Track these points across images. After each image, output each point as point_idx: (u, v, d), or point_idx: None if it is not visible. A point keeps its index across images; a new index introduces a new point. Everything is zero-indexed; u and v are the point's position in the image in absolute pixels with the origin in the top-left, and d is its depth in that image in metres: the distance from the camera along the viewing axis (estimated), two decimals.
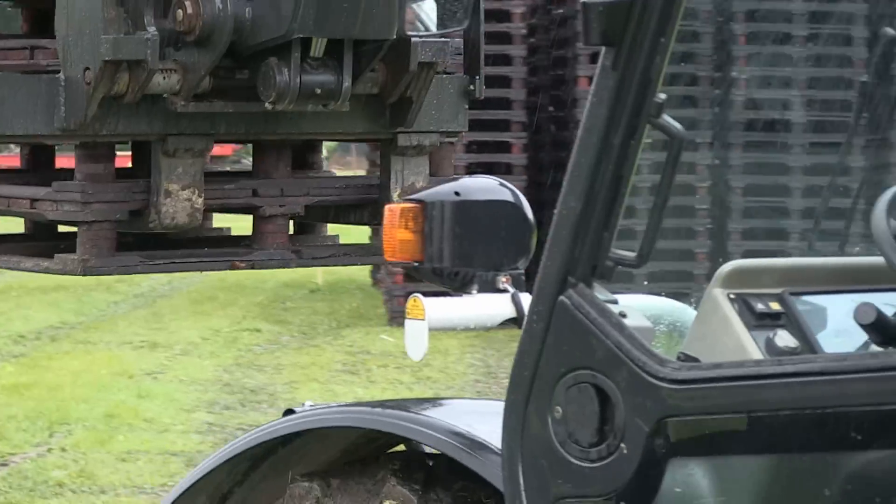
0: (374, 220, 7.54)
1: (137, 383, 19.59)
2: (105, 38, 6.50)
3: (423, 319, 5.29)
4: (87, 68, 6.57)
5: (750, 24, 24.21)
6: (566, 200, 4.33)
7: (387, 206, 5.41)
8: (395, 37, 6.88)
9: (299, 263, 7.92)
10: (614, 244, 4.33)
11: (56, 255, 7.15)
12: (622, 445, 4.17)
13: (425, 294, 5.27)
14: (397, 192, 7.29)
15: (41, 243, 7.77)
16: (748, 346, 4.42)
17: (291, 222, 7.84)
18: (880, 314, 4.12)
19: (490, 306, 5.40)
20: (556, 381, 4.31)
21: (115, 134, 6.90)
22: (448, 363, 21.88)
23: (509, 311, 5.07)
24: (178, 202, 6.93)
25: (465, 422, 5.02)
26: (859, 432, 3.85)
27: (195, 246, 7.55)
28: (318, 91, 6.84)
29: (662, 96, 4.25)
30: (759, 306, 4.50)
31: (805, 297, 4.56)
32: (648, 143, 4.33)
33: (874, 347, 4.20)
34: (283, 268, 7.98)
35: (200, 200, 7.05)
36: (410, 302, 5.30)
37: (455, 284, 5.55)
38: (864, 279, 4.54)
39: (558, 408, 4.28)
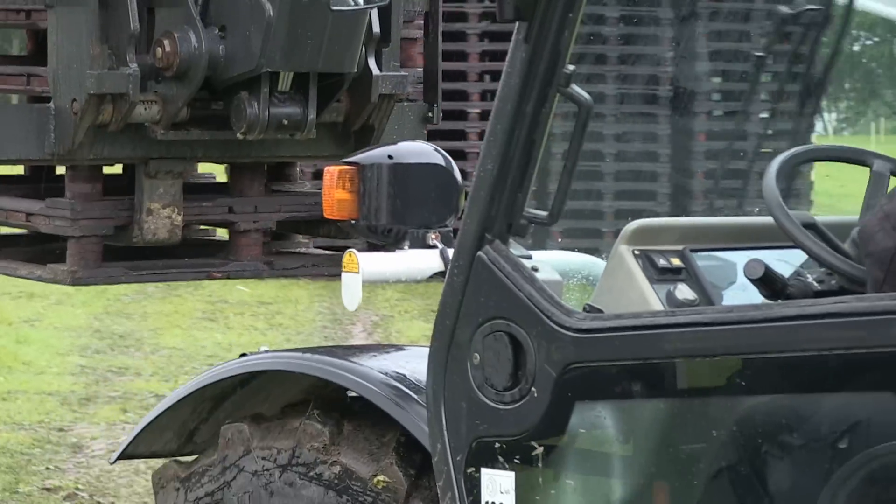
0: (340, 234, 7.48)
1: (16, 330, 19.44)
2: (90, 74, 6.62)
3: (357, 273, 5.24)
4: (75, 100, 6.70)
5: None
6: (483, 164, 4.29)
7: (325, 169, 5.37)
8: (357, 70, 6.96)
9: (271, 274, 8.12)
10: (528, 204, 4.31)
11: (48, 264, 7.31)
12: (533, 389, 4.13)
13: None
14: None
15: (38, 248, 7.86)
16: (650, 299, 4.41)
17: None
18: (768, 269, 4.12)
19: (420, 261, 5.35)
20: (474, 329, 4.27)
21: (101, 158, 7.05)
22: (298, 311, 21.99)
23: (438, 265, 5.01)
24: (159, 219, 7.09)
25: (392, 369, 4.96)
26: (745, 378, 3.86)
27: (177, 254, 7.60)
28: (286, 122, 6.97)
29: (571, 67, 4.22)
30: (661, 262, 4.48)
31: (703, 254, 4.54)
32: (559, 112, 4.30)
33: (763, 300, 4.16)
34: (257, 278, 8.41)
35: (180, 217, 7.21)
36: (346, 256, 5.26)
37: (388, 240, 5.53)
38: (757, 237, 4.51)
39: (476, 354, 4.25)
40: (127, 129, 6.97)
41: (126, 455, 5.62)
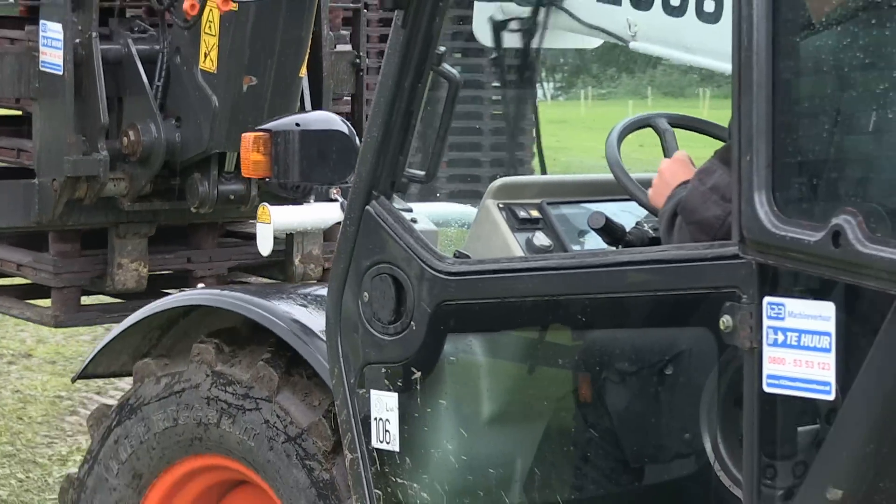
0: (282, 276, 7.76)
1: None
2: (67, 159, 6.78)
3: (269, 223, 5.27)
4: (55, 179, 6.87)
5: None
6: (370, 131, 4.28)
7: (242, 135, 5.39)
8: None
9: None
10: (408, 165, 4.30)
11: (36, 307, 7.79)
12: (412, 323, 4.12)
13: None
14: (298, 258, 7.43)
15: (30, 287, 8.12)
16: (512, 246, 4.44)
17: None
18: (608, 220, 4.17)
19: (323, 212, 5.38)
20: (363, 272, 4.26)
21: (78, 224, 7.27)
22: None
23: (338, 216, 4.94)
24: (128, 272, 7.38)
25: (301, 305, 4.94)
26: (587, 315, 3.81)
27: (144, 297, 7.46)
28: (232, 197, 7.31)
29: (442, 48, 4.25)
30: (522, 213, 4.51)
31: (558, 207, 4.54)
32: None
33: (605, 247, 4.20)
34: None
35: (145, 270, 7.56)
36: (260, 209, 5.33)
37: (297, 195, 5.56)
38: (603, 192, 4.48)
39: (365, 293, 4.24)
40: (99, 201, 7.20)
41: (86, 374, 5.53)
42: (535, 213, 4.50)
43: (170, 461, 4.98)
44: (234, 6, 6.12)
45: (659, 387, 3.60)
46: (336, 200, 5.31)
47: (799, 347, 3.23)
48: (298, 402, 4.67)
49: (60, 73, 6.48)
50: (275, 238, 5.36)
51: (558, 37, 5.80)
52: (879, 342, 3.15)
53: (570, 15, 5.66)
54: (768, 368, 3.27)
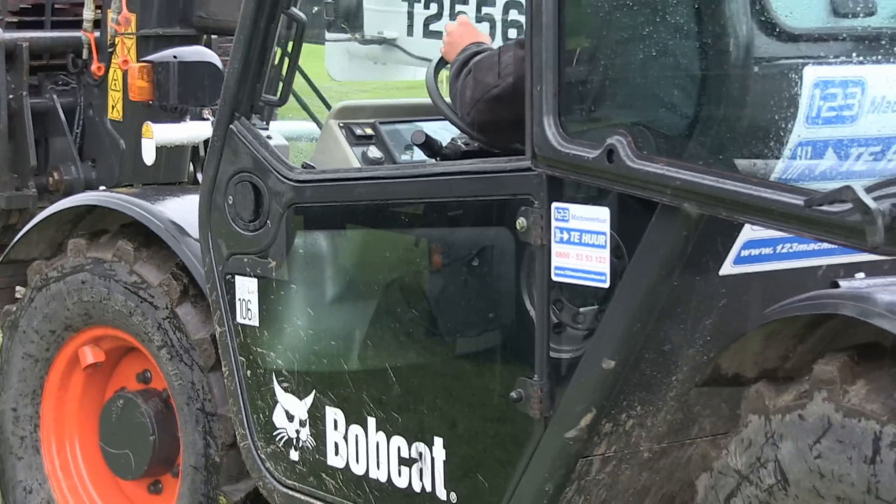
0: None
1: None
2: (1, 195, 6.45)
3: (151, 139, 5.18)
4: None
5: None
6: (232, 63, 4.10)
7: (129, 66, 5.28)
8: (187, 180, 6.63)
9: None
10: (264, 91, 4.16)
11: None
12: (268, 222, 3.99)
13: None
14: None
15: None
16: (350, 158, 4.31)
17: None
18: (428, 137, 4.03)
19: (197, 129, 5.28)
20: (228, 179, 4.10)
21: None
22: None
23: (208, 133, 4.72)
24: None
25: (180, 207, 4.70)
26: (409, 216, 3.76)
27: None
28: None
29: None
30: (358, 131, 4.38)
31: (388, 125, 4.42)
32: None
33: (427, 160, 4.08)
34: None
35: None
36: (144, 127, 5.31)
37: (175, 115, 5.48)
38: (425, 113, 4.36)
39: (230, 197, 4.10)
40: None
41: (9, 259, 5.25)
42: (369, 131, 4.36)
43: (72, 331, 4.77)
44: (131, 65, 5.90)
45: (468, 275, 3.49)
46: (208, 119, 5.18)
47: (580, 244, 3.17)
48: (152, 267, 4.49)
49: None
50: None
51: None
52: (645, 240, 3.09)
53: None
54: (556, 261, 3.21)
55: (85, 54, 6.16)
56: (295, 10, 4.06)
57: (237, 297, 4.09)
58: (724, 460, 3.02)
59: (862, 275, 3.09)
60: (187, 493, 4.32)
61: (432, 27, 5.16)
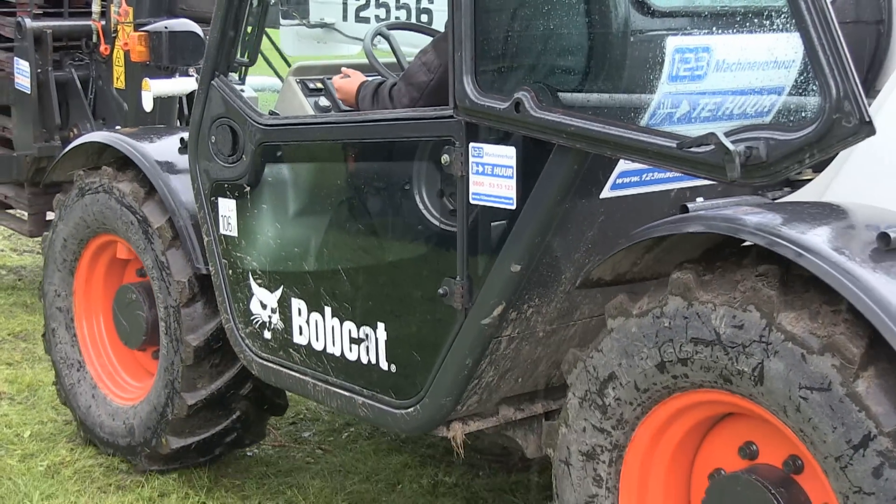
0: None
1: None
2: (34, 146, 6.16)
3: (149, 91, 4.94)
4: (27, 155, 6.30)
5: None
6: (212, 32, 3.83)
7: (130, 35, 5.20)
8: None
9: None
10: (236, 54, 3.92)
11: (20, 221, 6.91)
12: (243, 156, 3.76)
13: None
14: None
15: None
16: (305, 106, 4.08)
17: None
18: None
19: (184, 84, 5.03)
20: (211, 123, 3.84)
21: (41, 179, 6.29)
22: None
23: (194, 86, 4.46)
24: None
25: (165, 145, 4.43)
26: (346, 152, 3.55)
27: None
28: None
29: None
30: (311, 85, 4.13)
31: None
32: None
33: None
34: None
35: None
36: (144, 82, 5.07)
37: (166, 73, 5.25)
38: (365, 71, 3.99)
39: (213, 137, 3.84)
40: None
41: (51, 180, 4.97)
42: (319, 85, 4.11)
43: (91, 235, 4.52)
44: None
45: (403, 198, 3.31)
46: (192, 76, 4.94)
47: (492, 175, 3.03)
48: (133, 185, 4.18)
49: (28, 92, 6.09)
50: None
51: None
52: (544, 172, 2.95)
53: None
54: (473, 189, 3.07)
55: (94, 38, 5.98)
56: None
57: (220, 213, 3.85)
58: (595, 354, 2.87)
59: (701, 199, 2.93)
60: (165, 350, 4.10)
61: (361, 14, 5.05)
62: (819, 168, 3.02)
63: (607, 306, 2.83)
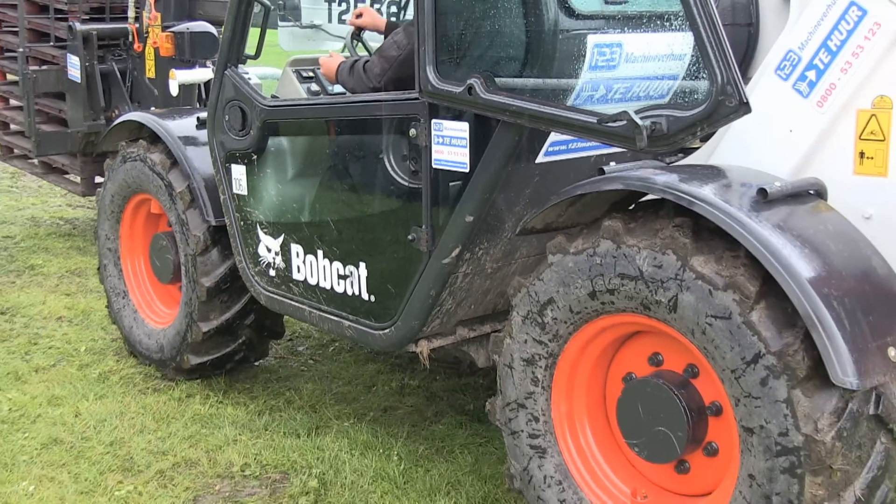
0: None
1: None
2: (84, 123, 6.00)
3: (175, 79, 4.86)
4: (79, 132, 6.11)
5: None
6: (224, 32, 3.75)
7: (160, 34, 5.02)
8: None
9: None
10: (244, 49, 3.76)
11: (74, 184, 6.64)
12: (251, 131, 3.66)
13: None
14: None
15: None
16: (300, 91, 3.99)
17: None
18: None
19: (203, 73, 4.93)
20: (225, 104, 3.74)
21: (91, 150, 6.23)
22: None
23: (211, 75, 4.45)
24: None
25: (188, 122, 4.29)
26: (341, 128, 3.40)
27: None
28: None
29: None
30: (304, 74, 4.04)
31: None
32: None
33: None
34: None
35: None
36: (171, 72, 5.01)
37: (188, 65, 5.11)
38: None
39: (227, 115, 3.74)
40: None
41: (100, 152, 5.02)
42: (311, 74, 4.00)
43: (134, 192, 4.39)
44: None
45: (379, 163, 3.23)
46: (209, 67, 4.88)
47: (450, 145, 2.98)
48: (161, 156, 4.11)
49: (78, 81, 5.92)
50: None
51: None
52: (491, 142, 2.91)
53: None
54: (434, 155, 3.03)
55: (130, 38, 5.83)
56: (263, 0, 3.66)
57: (233, 176, 3.77)
58: (536, 282, 2.84)
59: (613, 163, 2.89)
60: (185, 289, 4.09)
61: (343, 17, 4.96)
62: (706, 138, 2.99)
63: (549, 244, 2.79)
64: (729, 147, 2.93)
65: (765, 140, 2.82)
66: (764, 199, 2.45)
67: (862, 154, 2.67)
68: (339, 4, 4.90)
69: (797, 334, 2.32)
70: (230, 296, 4.01)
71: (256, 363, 4.47)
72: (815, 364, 2.30)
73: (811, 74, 2.73)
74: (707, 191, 2.46)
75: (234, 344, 4.15)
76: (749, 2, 3.16)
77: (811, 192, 2.59)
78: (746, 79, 3.03)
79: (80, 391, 4.12)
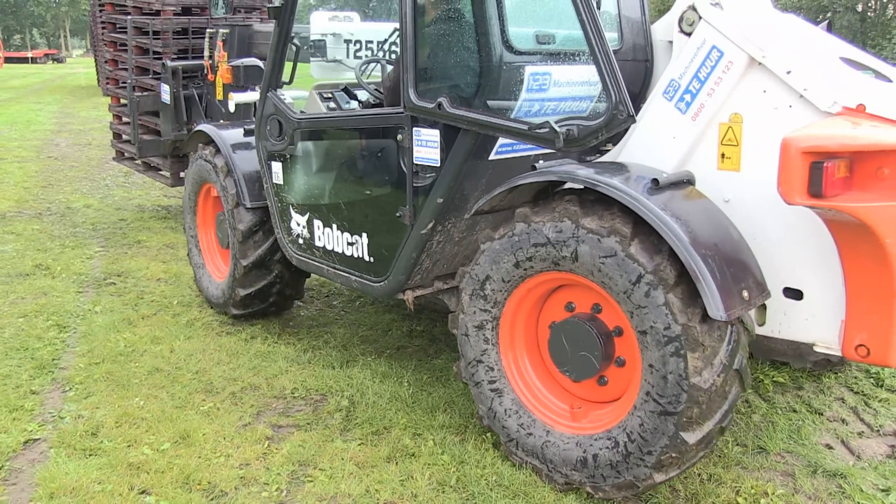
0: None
1: None
2: (171, 133, 5.88)
3: (233, 100, 4.80)
4: (168, 139, 5.97)
5: None
6: (267, 66, 3.65)
7: (223, 67, 4.83)
8: None
9: None
10: (281, 77, 3.68)
11: (163, 176, 6.42)
12: (284, 137, 3.60)
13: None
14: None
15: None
16: (321, 107, 3.92)
17: None
18: (356, 96, 3.75)
19: (253, 96, 4.89)
20: (267, 118, 3.68)
21: (178, 151, 6.05)
22: None
23: (258, 97, 4.30)
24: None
25: (239, 130, 4.20)
26: (350, 134, 3.36)
27: None
28: None
29: (294, 33, 3.61)
30: (325, 94, 3.97)
31: (339, 92, 4.00)
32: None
33: (356, 108, 3.79)
34: None
35: None
36: (229, 95, 4.94)
37: (242, 89, 5.08)
38: (355, 87, 3.97)
39: (268, 126, 3.68)
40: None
41: (181, 154, 4.88)
42: (329, 95, 3.96)
43: (202, 183, 4.29)
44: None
45: (377, 158, 3.22)
46: (257, 91, 4.80)
47: (426, 147, 2.96)
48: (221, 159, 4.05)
49: (168, 103, 5.86)
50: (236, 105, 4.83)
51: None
52: (455, 144, 2.88)
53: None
54: (415, 154, 3.00)
55: (205, 70, 5.79)
56: (295, 41, 3.62)
57: (272, 171, 3.75)
58: (475, 266, 2.82)
59: (542, 161, 2.87)
60: (231, 240, 4.04)
61: (357, 54, 4.87)
62: (615, 142, 3.00)
63: (479, 237, 2.77)
64: (632, 148, 2.95)
65: (657, 144, 2.85)
66: (656, 186, 2.48)
67: (723, 155, 2.70)
68: (355, 45, 4.87)
69: (664, 256, 2.37)
70: (260, 238, 3.97)
71: (303, 310, 4.38)
72: (679, 275, 2.35)
73: (687, 97, 2.75)
74: (616, 180, 2.50)
75: (270, 276, 4.05)
76: (646, 43, 3.16)
77: (686, 180, 2.61)
78: (644, 99, 3.05)
79: (174, 333, 4.09)
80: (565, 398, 2.84)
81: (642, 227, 2.37)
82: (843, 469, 2.85)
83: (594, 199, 2.47)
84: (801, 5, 17.77)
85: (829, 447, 3.02)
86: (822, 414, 3.24)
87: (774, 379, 3.53)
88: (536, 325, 2.88)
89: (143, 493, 2.68)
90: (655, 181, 2.46)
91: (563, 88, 2.72)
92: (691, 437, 2.37)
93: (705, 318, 2.32)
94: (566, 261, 2.53)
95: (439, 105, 2.78)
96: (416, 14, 2.83)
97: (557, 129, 2.43)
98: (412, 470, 2.80)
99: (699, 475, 2.79)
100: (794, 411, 3.27)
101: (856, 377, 3.57)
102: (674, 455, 2.41)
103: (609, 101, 2.36)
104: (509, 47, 2.77)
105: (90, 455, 2.91)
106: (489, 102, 2.77)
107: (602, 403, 2.76)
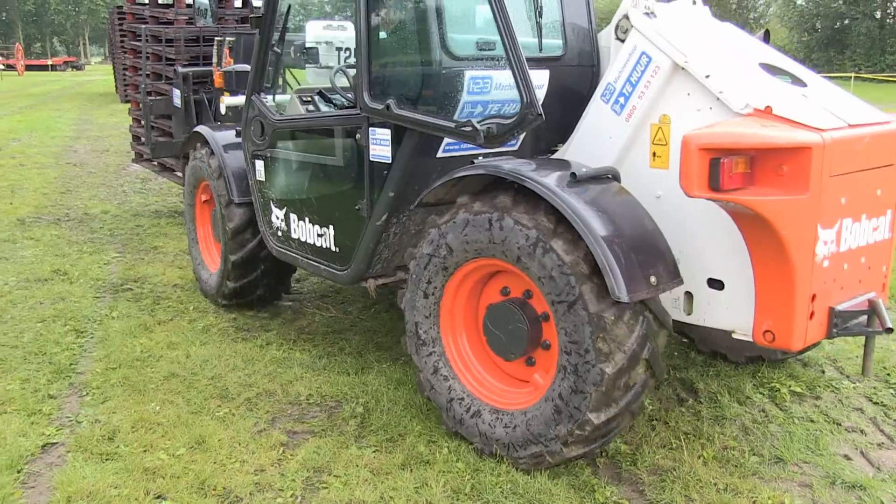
0: None
1: None
2: (181, 135, 5.88)
3: (224, 103, 4.88)
4: (179, 140, 5.96)
5: None
6: (251, 70, 3.81)
7: (216, 72, 4.97)
8: None
9: None
10: (265, 81, 3.83)
11: (177, 176, 6.41)
12: (266, 137, 3.74)
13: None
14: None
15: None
16: (301, 110, 3.96)
17: None
18: (329, 98, 3.77)
19: (241, 100, 4.76)
20: (250, 119, 3.83)
21: (183, 152, 5.93)
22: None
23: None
24: None
25: (229, 131, 4.37)
26: (319, 133, 3.50)
27: None
28: None
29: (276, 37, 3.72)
30: (304, 98, 4.01)
31: (316, 95, 4.02)
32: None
33: (328, 109, 3.80)
34: None
35: None
36: (220, 98, 4.89)
37: (232, 93, 5.10)
38: (331, 92, 3.95)
39: (252, 126, 3.82)
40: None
41: (185, 154, 5.06)
42: (309, 98, 4.03)
43: (198, 183, 4.46)
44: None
45: (341, 156, 3.34)
46: (244, 95, 4.62)
47: (379, 145, 3.09)
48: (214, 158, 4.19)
49: (180, 106, 5.96)
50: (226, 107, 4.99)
51: None
52: (403, 142, 3.01)
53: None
54: (371, 151, 3.13)
55: (213, 76, 5.90)
56: (275, 49, 3.69)
57: (255, 167, 3.88)
58: (419, 251, 2.95)
59: (481, 157, 3.01)
60: (223, 239, 4.21)
61: (348, 60, 4.96)
62: (563, 141, 3.13)
63: (426, 223, 2.88)
64: (575, 148, 3.08)
65: (596, 143, 2.97)
66: (574, 180, 2.60)
67: (654, 154, 2.83)
68: (345, 52, 5.07)
69: (580, 252, 2.49)
70: (248, 237, 4.09)
71: (320, 316, 4.33)
72: (594, 266, 2.47)
73: (622, 99, 2.89)
74: (537, 175, 2.62)
75: (257, 271, 4.14)
76: (592, 49, 3.29)
77: (609, 176, 2.74)
78: (588, 102, 3.11)
79: (190, 339, 4.00)
80: (499, 376, 2.94)
81: (567, 223, 2.48)
82: (863, 480, 2.71)
83: (528, 195, 2.59)
84: (819, 13, 17.46)
85: (848, 458, 2.86)
86: (840, 424, 3.09)
87: (791, 388, 3.37)
88: (476, 308, 2.98)
89: (158, 497, 2.62)
90: (573, 175, 2.58)
91: (505, 91, 2.82)
92: (597, 418, 2.50)
93: (618, 306, 2.43)
94: (496, 249, 2.65)
95: (388, 107, 2.92)
96: (368, 24, 2.97)
97: (479, 127, 2.58)
98: (427, 477, 2.72)
99: (715, 485, 2.67)
100: (812, 421, 3.12)
101: (875, 387, 3.40)
102: (579, 433, 2.54)
103: (521, 102, 2.50)
104: (449, 53, 2.88)
105: (107, 459, 2.85)
106: (433, 104, 2.88)
107: (526, 382, 2.87)
